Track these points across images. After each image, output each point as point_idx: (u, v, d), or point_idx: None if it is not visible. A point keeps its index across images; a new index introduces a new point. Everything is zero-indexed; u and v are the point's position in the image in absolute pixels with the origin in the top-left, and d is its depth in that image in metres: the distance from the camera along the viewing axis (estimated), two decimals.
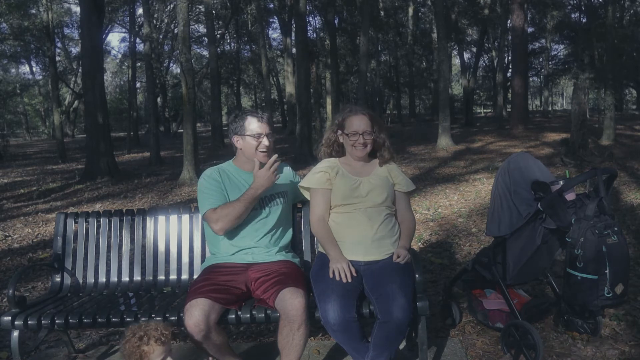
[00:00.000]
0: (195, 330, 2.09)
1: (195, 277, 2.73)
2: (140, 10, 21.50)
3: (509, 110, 22.60)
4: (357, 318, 2.15)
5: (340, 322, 2.10)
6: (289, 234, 2.64)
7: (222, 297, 2.19)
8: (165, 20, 26.84)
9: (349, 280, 2.21)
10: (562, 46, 34.46)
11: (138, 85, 29.19)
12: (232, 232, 2.46)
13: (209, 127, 26.30)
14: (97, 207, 7.83)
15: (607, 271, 2.22)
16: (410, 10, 27.39)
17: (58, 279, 2.79)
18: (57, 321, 2.30)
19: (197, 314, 2.08)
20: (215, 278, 2.32)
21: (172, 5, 24.39)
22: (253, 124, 2.45)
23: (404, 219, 2.53)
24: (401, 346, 2.62)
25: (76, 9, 28.56)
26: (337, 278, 2.22)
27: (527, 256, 2.51)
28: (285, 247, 2.57)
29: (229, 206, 2.35)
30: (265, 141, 2.45)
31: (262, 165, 2.40)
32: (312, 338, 2.86)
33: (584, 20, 27.62)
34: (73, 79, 31.21)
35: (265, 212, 2.50)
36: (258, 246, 2.46)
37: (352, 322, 2.12)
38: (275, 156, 2.41)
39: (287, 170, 2.72)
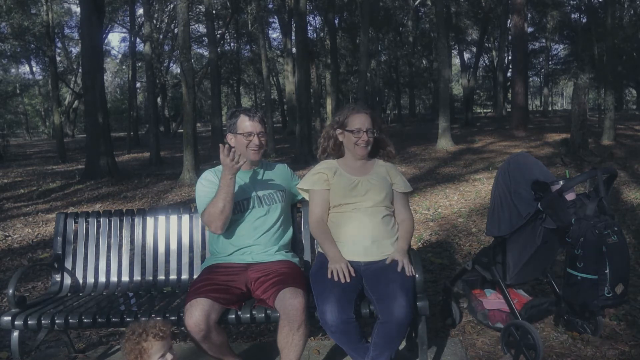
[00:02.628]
0: (195, 330, 2.09)
1: (195, 277, 2.73)
2: (140, 11, 21.52)
3: (509, 110, 22.61)
4: (356, 318, 2.14)
5: (339, 324, 2.09)
6: (289, 233, 2.64)
7: (222, 297, 2.20)
8: (166, 20, 26.86)
9: (348, 281, 2.21)
10: (562, 46, 34.48)
11: (138, 85, 29.21)
12: (231, 231, 2.47)
13: (209, 127, 26.29)
14: (97, 207, 7.83)
15: (607, 271, 2.22)
16: (411, 11, 27.39)
17: (58, 279, 2.79)
18: (57, 321, 2.30)
19: (197, 314, 2.08)
20: (215, 278, 2.32)
21: (172, 5, 24.40)
22: (245, 122, 2.48)
23: (402, 219, 2.52)
24: (401, 346, 2.62)
25: (76, 9, 28.58)
26: (336, 278, 2.22)
27: (527, 256, 2.51)
28: (284, 247, 2.57)
29: (210, 205, 2.37)
30: (255, 140, 2.46)
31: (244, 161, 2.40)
32: (312, 338, 2.86)
33: (584, 21, 27.63)
34: (73, 79, 31.22)
35: (264, 210, 2.51)
36: (257, 244, 2.47)
37: (350, 323, 2.12)
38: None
39: (285, 169, 2.72)
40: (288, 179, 2.69)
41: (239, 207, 2.47)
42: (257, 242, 2.47)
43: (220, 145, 2.34)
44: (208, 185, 2.48)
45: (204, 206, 2.42)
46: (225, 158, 2.28)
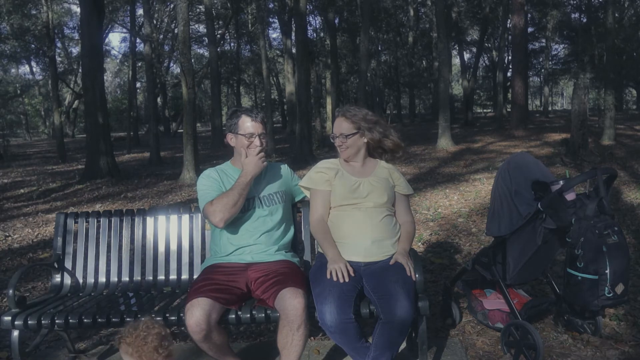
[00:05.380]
0: (196, 330, 2.09)
1: (195, 277, 2.73)
2: (140, 11, 21.51)
3: (509, 110, 22.60)
4: (355, 319, 2.14)
5: (338, 324, 2.09)
6: (289, 234, 2.63)
7: (222, 297, 2.19)
8: (166, 20, 26.85)
9: (346, 281, 2.21)
10: (562, 46, 34.48)
11: (138, 85, 29.20)
12: (232, 231, 2.47)
13: (209, 127, 26.31)
14: (97, 207, 7.83)
15: (607, 271, 2.22)
16: (411, 10, 27.39)
17: (58, 279, 2.79)
18: (57, 321, 2.30)
19: (198, 314, 2.08)
20: (215, 278, 2.32)
21: (172, 5, 24.39)
22: (246, 123, 2.47)
23: (404, 222, 2.52)
24: (401, 346, 2.62)
25: (76, 9, 28.56)
26: (335, 279, 2.22)
27: (527, 256, 2.51)
28: (284, 247, 2.57)
29: (224, 196, 2.36)
30: (256, 141, 2.46)
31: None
32: (312, 338, 2.86)
33: (584, 21, 27.63)
34: (73, 79, 31.21)
35: (265, 211, 2.50)
36: (257, 244, 2.46)
37: (349, 323, 2.11)
38: (261, 144, 2.47)
39: (286, 170, 2.72)
40: (288, 179, 2.69)
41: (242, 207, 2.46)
42: (258, 242, 2.47)
43: (242, 150, 2.45)
44: (211, 180, 2.48)
45: (208, 198, 2.39)
46: (253, 157, 2.39)
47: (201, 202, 2.45)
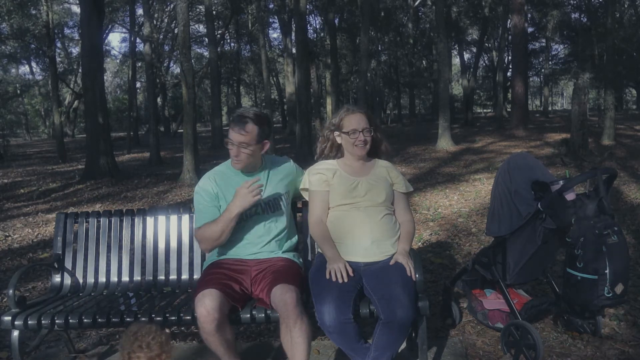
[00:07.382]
0: (207, 320, 2.03)
1: (195, 277, 2.74)
2: (140, 11, 21.51)
3: (509, 110, 22.59)
4: (354, 319, 2.14)
5: (336, 324, 2.09)
6: (293, 238, 2.60)
7: (230, 293, 2.19)
8: (166, 20, 26.85)
9: (345, 281, 2.21)
10: (562, 46, 34.47)
11: (138, 85, 29.21)
12: (234, 237, 2.43)
13: (209, 127, 26.31)
14: (97, 207, 7.83)
15: (606, 271, 2.22)
16: (411, 11, 27.40)
17: (58, 279, 2.79)
18: (57, 321, 2.30)
19: (209, 303, 2.05)
20: (222, 272, 2.31)
21: (172, 5, 24.39)
22: (230, 131, 2.38)
23: (403, 221, 2.51)
24: (401, 346, 2.62)
25: (76, 9, 28.57)
26: (334, 279, 2.21)
27: (527, 256, 2.51)
28: (288, 248, 2.55)
29: (208, 228, 2.34)
30: (233, 151, 2.37)
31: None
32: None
33: (584, 20, 27.64)
34: (73, 79, 31.21)
35: (269, 217, 2.47)
36: (260, 245, 2.46)
37: (348, 324, 2.11)
38: (257, 179, 2.35)
39: (290, 166, 2.67)
40: (293, 175, 2.64)
41: (244, 213, 2.37)
42: (260, 243, 2.45)
43: (245, 182, 2.29)
44: (205, 197, 2.43)
45: (202, 221, 2.39)
46: (244, 190, 2.25)
47: (196, 222, 2.48)
